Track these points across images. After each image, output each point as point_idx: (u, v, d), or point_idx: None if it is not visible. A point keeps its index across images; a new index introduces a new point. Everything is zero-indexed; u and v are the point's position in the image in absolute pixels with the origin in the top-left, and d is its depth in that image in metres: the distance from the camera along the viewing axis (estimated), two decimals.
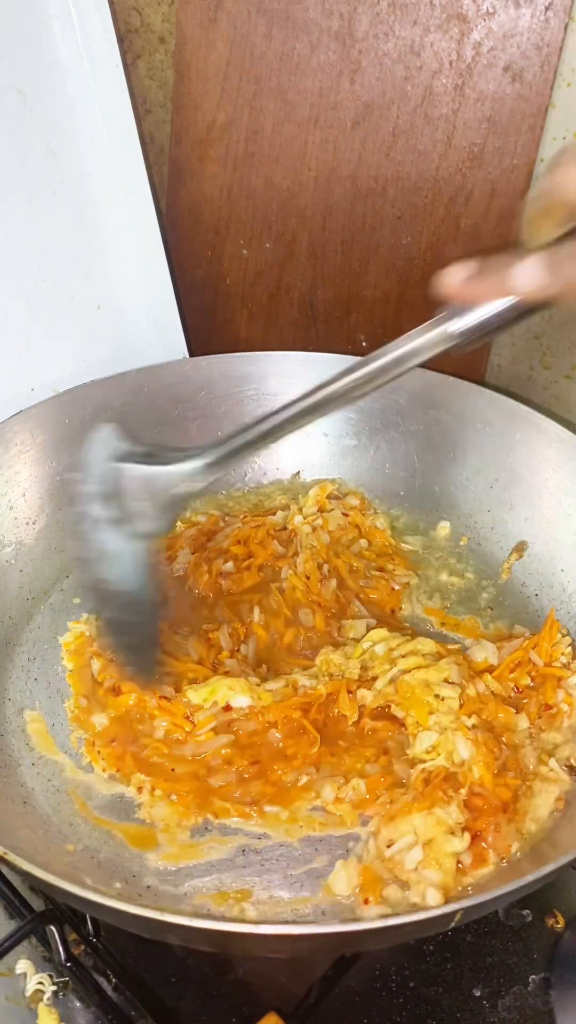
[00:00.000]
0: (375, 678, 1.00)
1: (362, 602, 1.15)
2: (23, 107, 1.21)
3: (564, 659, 1.03)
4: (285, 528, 1.23)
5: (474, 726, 0.93)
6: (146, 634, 0.98)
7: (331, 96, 1.26)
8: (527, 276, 0.68)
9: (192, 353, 1.44)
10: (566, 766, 0.94)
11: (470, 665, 1.03)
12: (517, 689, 1.01)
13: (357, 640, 1.07)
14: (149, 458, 0.90)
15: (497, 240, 1.26)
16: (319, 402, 0.81)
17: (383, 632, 1.06)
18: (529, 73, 1.15)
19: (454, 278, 0.71)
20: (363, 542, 1.24)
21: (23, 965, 0.89)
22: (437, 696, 0.96)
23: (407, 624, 1.15)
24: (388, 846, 0.86)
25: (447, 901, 0.81)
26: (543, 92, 1.16)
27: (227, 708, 0.99)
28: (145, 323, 1.40)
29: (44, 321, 1.29)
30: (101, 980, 0.87)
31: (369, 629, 1.08)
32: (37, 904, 0.92)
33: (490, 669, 1.03)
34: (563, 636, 1.06)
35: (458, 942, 0.92)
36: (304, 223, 1.37)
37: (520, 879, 0.75)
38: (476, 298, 0.72)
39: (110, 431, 0.90)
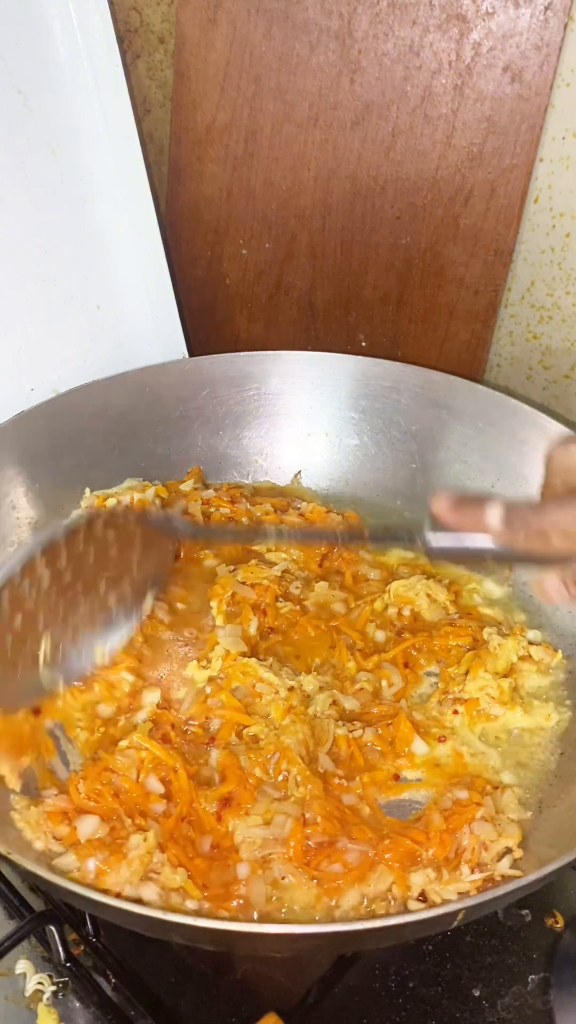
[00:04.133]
0: None
1: None
2: (23, 107, 1.21)
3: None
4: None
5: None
6: None
7: (330, 96, 1.26)
8: (491, 519, 0.74)
9: (192, 353, 1.44)
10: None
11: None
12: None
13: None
14: None
15: (496, 240, 1.27)
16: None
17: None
18: (528, 73, 1.15)
19: (442, 503, 0.78)
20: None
21: (23, 965, 0.89)
22: None
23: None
24: None
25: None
26: (542, 92, 1.16)
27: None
28: (145, 323, 1.40)
29: (44, 321, 1.29)
30: (101, 980, 0.87)
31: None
32: (37, 904, 0.92)
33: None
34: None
35: (457, 942, 0.92)
36: (303, 223, 1.37)
37: (521, 879, 0.75)
38: (454, 525, 0.78)
39: None
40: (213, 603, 1.11)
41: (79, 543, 0.89)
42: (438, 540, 0.79)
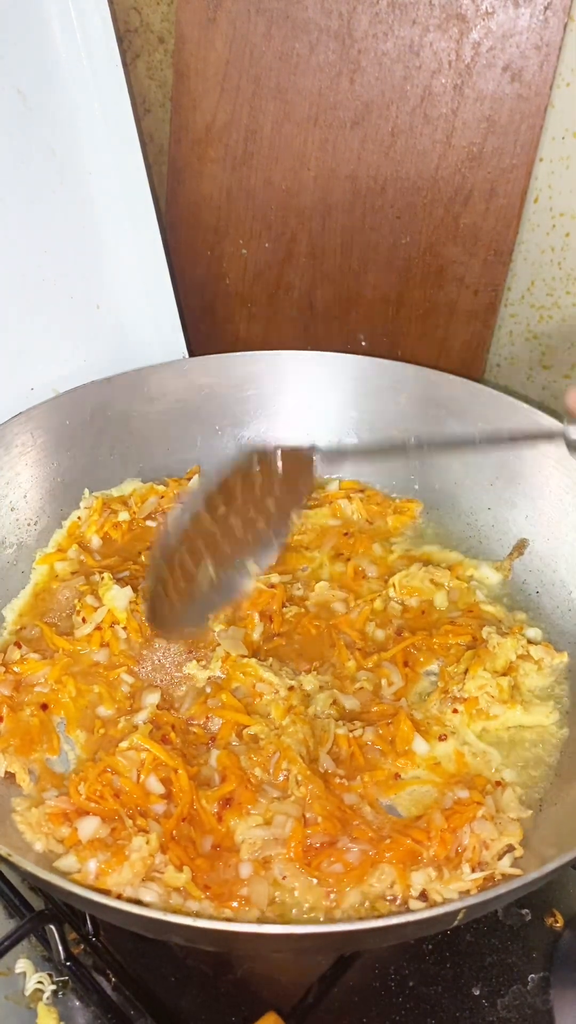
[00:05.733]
0: None
1: None
2: (23, 107, 1.21)
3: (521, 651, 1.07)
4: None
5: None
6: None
7: (330, 96, 1.26)
8: None
9: (192, 353, 1.44)
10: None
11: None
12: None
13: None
14: None
15: (496, 240, 1.27)
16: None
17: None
18: (528, 73, 1.15)
19: (573, 395, 0.89)
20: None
21: (23, 964, 0.89)
22: None
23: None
24: None
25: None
26: (542, 92, 1.16)
27: None
28: (145, 323, 1.40)
29: (44, 321, 1.29)
30: (101, 979, 0.87)
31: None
32: (37, 903, 0.92)
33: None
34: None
35: (457, 941, 0.92)
36: (303, 223, 1.37)
37: (522, 877, 0.75)
38: None
39: None
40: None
41: (234, 484, 0.96)
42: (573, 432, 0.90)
